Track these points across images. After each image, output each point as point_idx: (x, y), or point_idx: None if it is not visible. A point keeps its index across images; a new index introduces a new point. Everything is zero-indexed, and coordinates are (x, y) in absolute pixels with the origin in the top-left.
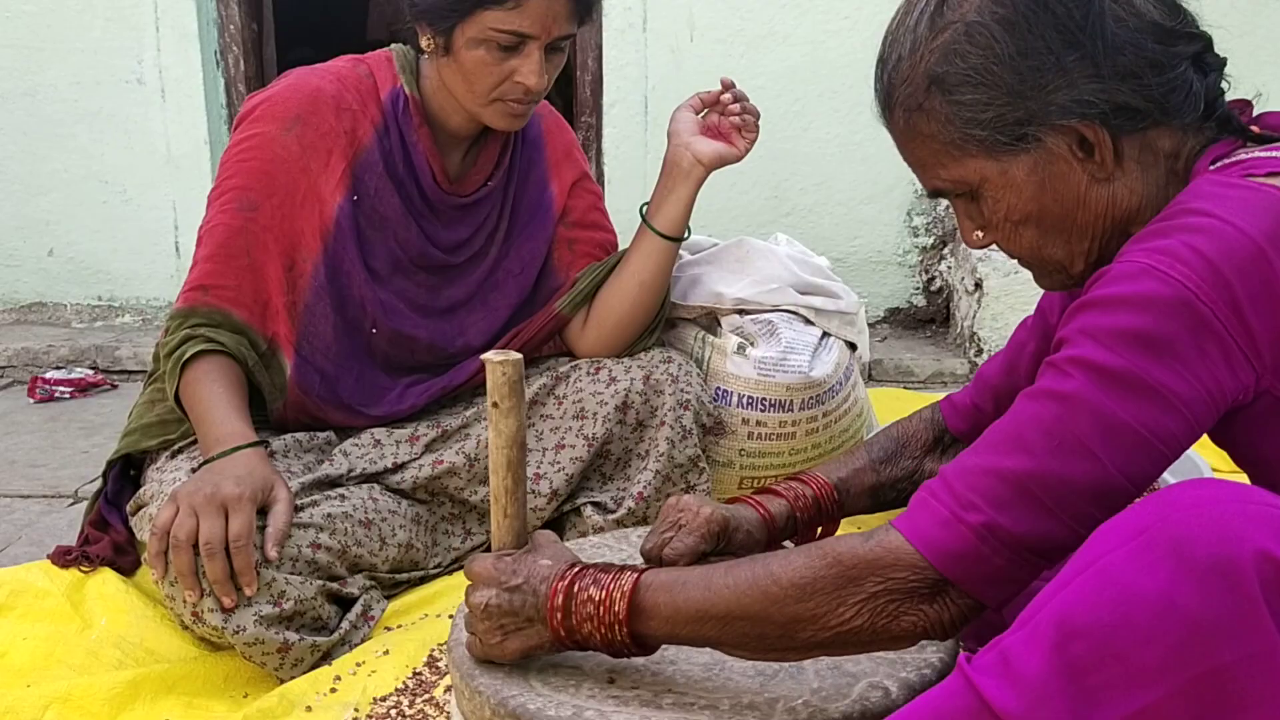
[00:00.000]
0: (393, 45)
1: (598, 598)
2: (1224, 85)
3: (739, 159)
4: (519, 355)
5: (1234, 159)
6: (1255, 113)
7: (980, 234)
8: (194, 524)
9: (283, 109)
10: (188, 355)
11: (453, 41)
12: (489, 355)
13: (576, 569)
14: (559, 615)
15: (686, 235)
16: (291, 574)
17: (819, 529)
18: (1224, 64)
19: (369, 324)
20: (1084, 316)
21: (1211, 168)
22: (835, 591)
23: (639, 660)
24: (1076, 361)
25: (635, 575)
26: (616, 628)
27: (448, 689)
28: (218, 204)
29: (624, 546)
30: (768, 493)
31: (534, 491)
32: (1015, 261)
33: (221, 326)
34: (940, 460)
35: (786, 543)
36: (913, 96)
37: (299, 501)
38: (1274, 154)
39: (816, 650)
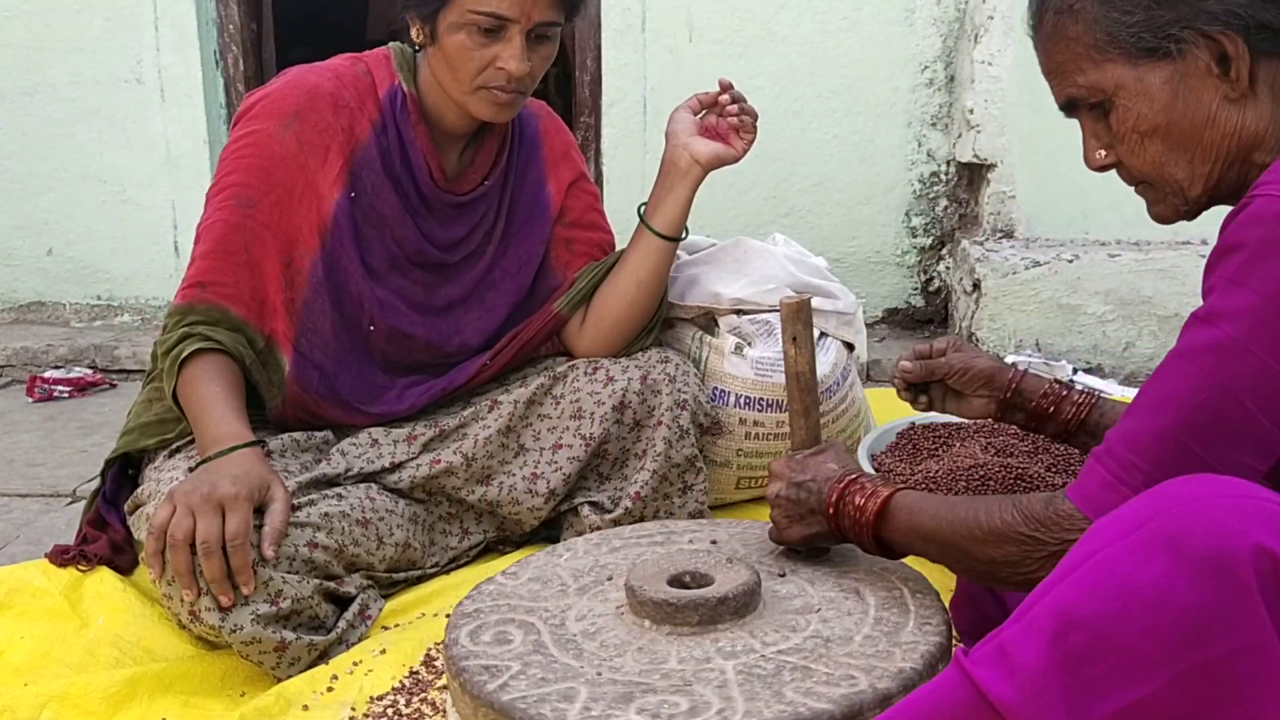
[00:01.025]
0: (391, 43)
1: (859, 503)
2: None
3: (737, 160)
4: (809, 296)
5: None
6: None
7: (1103, 153)
8: (191, 523)
9: (281, 106)
10: (185, 353)
11: (437, 28)
12: (787, 298)
13: (853, 477)
14: (831, 511)
15: (684, 235)
16: (289, 573)
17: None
18: None
19: (367, 321)
20: (1227, 262)
21: None
22: (1023, 545)
23: (628, 662)
24: (1221, 314)
25: (889, 493)
26: (867, 532)
27: (444, 688)
28: (216, 201)
29: (617, 543)
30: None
31: (531, 491)
32: (1018, 259)
33: (219, 324)
34: None
35: None
36: None
37: (296, 501)
38: None
39: (1017, 587)
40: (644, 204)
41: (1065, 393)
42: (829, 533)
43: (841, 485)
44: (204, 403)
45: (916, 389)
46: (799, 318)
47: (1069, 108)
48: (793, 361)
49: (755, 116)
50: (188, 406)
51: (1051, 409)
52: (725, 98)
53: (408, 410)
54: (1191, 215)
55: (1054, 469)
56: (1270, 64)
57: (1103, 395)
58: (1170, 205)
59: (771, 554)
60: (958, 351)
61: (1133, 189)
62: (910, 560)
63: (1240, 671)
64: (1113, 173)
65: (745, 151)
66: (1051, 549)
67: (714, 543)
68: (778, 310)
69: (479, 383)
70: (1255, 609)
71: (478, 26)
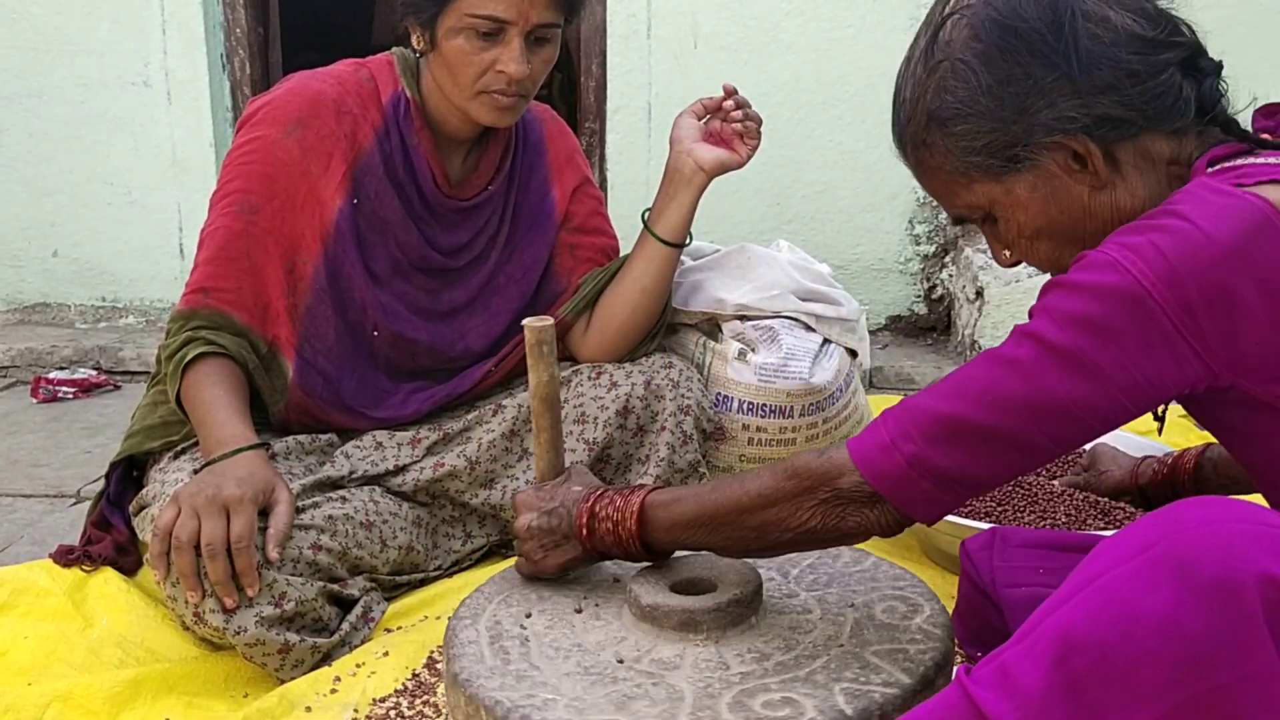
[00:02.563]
0: (394, 49)
1: (614, 516)
2: (1222, 88)
3: (741, 165)
4: (549, 321)
5: (1232, 164)
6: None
7: (1008, 253)
8: (195, 525)
9: (283, 113)
10: (189, 358)
11: (436, 34)
12: (528, 320)
13: (599, 492)
14: (584, 531)
15: (688, 241)
16: (292, 575)
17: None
18: (1219, 67)
19: (370, 326)
20: (1051, 295)
21: (1209, 170)
22: (794, 499)
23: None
24: (1030, 334)
25: (643, 494)
26: (629, 539)
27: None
28: (219, 207)
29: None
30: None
31: None
32: (1021, 267)
33: (222, 329)
34: None
35: None
36: (918, 134)
37: (300, 503)
38: (1272, 160)
39: (784, 548)
40: (648, 210)
41: (1168, 466)
42: (584, 556)
43: (588, 503)
44: (208, 406)
45: None
46: (542, 342)
47: (961, 223)
48: (536, 387)
49: (759, 122)
50: (191, 410)
51: (1167, 481)
52: (729, 103)
53: (412, 416)
54: None
55: (1051, 474)
56: (1127, 145)
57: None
58: None
59: (781, 559)
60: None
61: None
62: (919, 568)
63: (1244, 701)
64: None
65: (749, 157)
66: (822, 496)
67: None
68: (782, 316)
69: (484, 389)
70: (1260, 638)
71: (476, 30)
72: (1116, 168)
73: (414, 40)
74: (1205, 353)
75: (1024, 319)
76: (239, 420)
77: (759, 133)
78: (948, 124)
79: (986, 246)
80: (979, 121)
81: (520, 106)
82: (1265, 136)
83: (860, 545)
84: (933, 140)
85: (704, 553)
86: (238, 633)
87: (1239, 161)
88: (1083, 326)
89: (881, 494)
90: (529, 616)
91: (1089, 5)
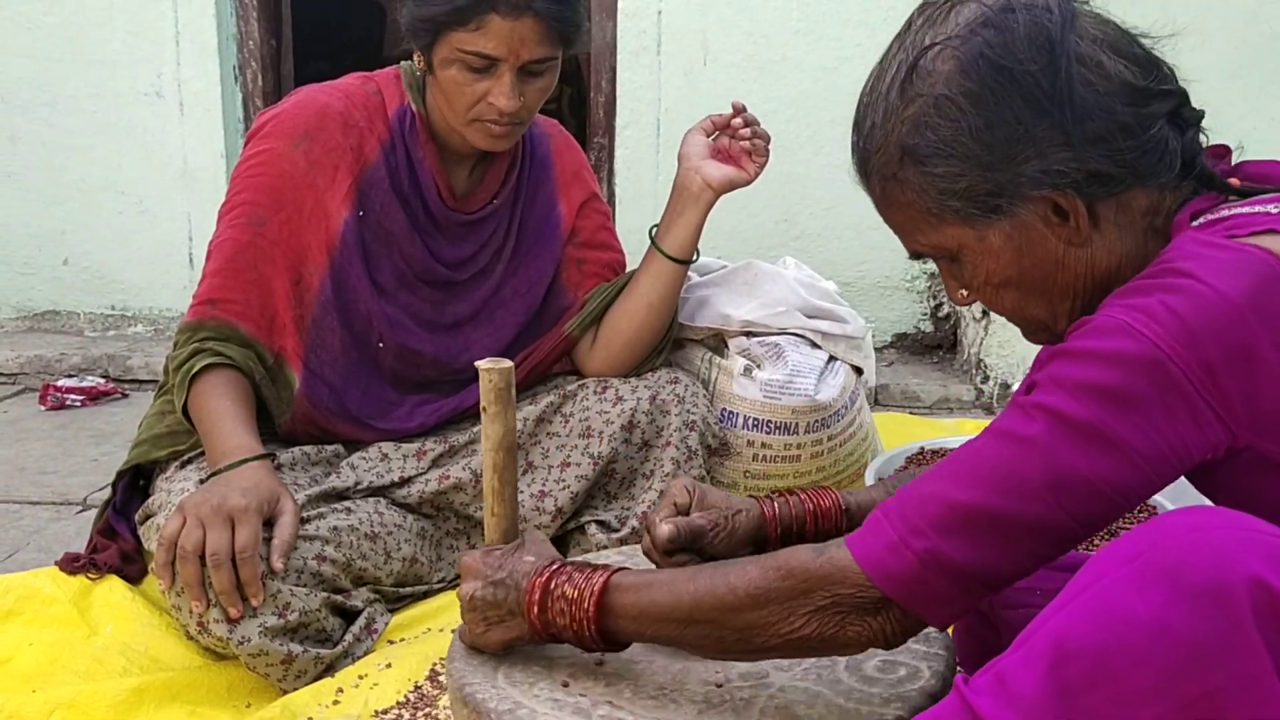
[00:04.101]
0: (401, 63)
1: (570, 595)
2: (1202, 138)
3: (749, 183)
4: (509, 364)
5: (1217, 215)
6: (1234, 160)
7: (965, 292)
8: (201, 535)
9: (291, 126)
10: (196, 369)
11: (432, 60)
12: (481, 363)
13: (555, 566)
14: (535, 610)
15: (696, 258)
16: (296, 585)
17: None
18: (1201, 117)
19: (376, 338)
20: (1057, 365)
21: (1193, 224)
22: (786, 602)
23: (605, 664)
24: (1042, 407)
25: (606, 575)
26: (586, 624)
27: (448, 704)
28: (227, 219)
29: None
30: (780, 496)
31: (539, 509)
32: None
33: (229, 340)
34: None
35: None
36: (887, 166)
37: (305, 514)
38: (1256, 209)
39: (770, 654)
40: (655, 226)
41: (815, 503)
42: (530, 636)
43: (543, 578)
44: (214, 417)
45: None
46: (496, 385)
47: (918, 257)
48: (497, 439)
49: (768, 139)
50: (198, 420)
51: (814, 521)
52: (738, 121)
53: (418, 428)
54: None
55: None
56: (1109, 202)
57: (844, 493)
58: (1042, 337)
59: None
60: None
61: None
62: None
63: (1236, 704)
64: None
65: (757, 175)
66: (819, 602)
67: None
68: (788, 333)
69: None
70: (1251, 641)
71: (467, 65)
72: (1096, 224)
73: (415, 59)
74: (1227, 415)
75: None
76: (245, 431)
77: (767, 150)
78: (925, 162)
79: None
80: (961, 165)
81: (515, 133)
82: (1234, 182)
83: None
84: (905, 176)
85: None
86: (241, 643)
87: (1224, 213)
88: (1100, 396)
89: (891, 598)
90: None
91: (1084, 49)
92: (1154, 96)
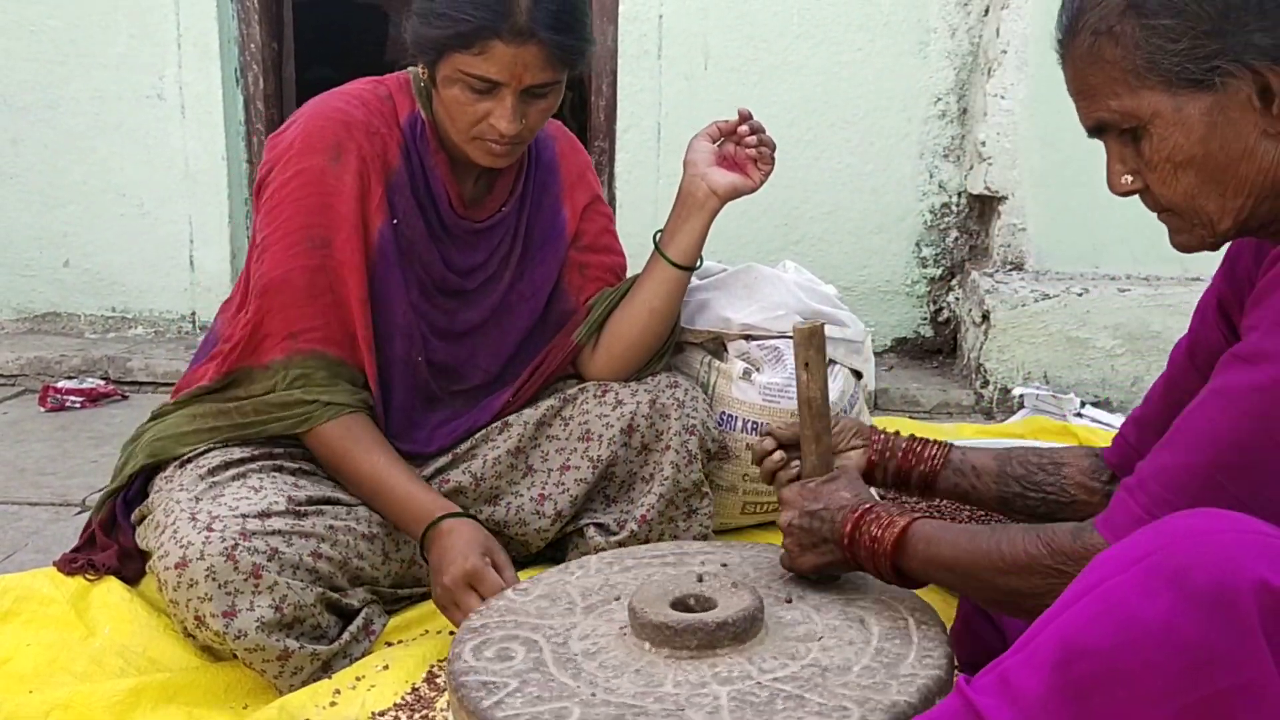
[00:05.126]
0: (410, 69)
1: (875, 534)
2: None
3: (754, 190)
4: (821, 324)
5: None
6: None
7: (1130, 178)
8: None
9: (320, 141)
10: (318, 424)
11: (435, 77)
12: (800, 323)
13: (867, 506)
14: (847, 542)
15: (699, 264)
16: (292, 580)
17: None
18: None
19: (416, 352)
20: (1273, 300)
21: None
22: (1046, 576)
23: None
24: (1265, 353)
25: (907, 521)
26: (884, 561)
27: (447, 706)
28: (281, 245)
29: (629, 563)
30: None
31: (539, 512)
32: (1027, 291)
33: (334, 376)
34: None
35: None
36: (1105, 19)
37: (303, 510)
38: None
39: (1031, 616)
40: (660, 231)
41: (922, 446)
42: (843, 561)
43: (856, 515)
44: (377, 480)
45: (789, 449)
46: (811, 343)
47: (1097, 130)
48: (805, 387)
49: (773, 147)
50: (355, 484)
51: (913, 460)
52: (744, 128)
53: (435, 451)
54: (1216, 246)
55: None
56: None
57: (954, 446)
58: (1196, 236)
59: (781, 579)
60: None
61: (1156, 215)
62: (924, 591)
63: (1240, 707)
64: (1122, 208)
65: (762, 182)
66: (1073, 577)
67: (724, 565)
68: (787, 336)
69: (499, 416)
70: (1256, 644)
71: (469, 86)
72: None
73: (421, 70)
74: None
75: (1030, 344)
76: (419, 487)
77: (773, 158)
78: (1150, 15)
79: (995, 268)
80: (1189, 21)
81: (516, 151)
82: None
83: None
84: (1122, 29)
85: (719, 566)
86: (238, 637)
87: None
88: None
89: None
90: (533, 632)
91: None
92: None
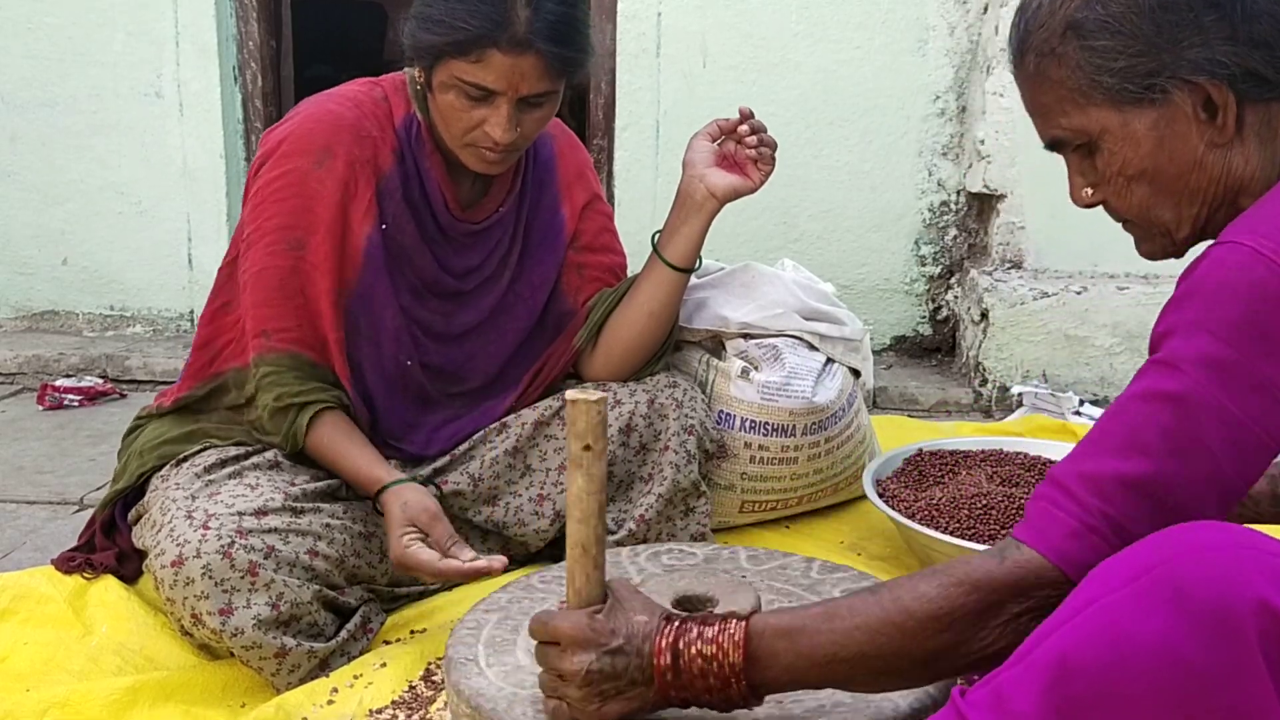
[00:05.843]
0: (407, 70)
1: (709, 652)
2: None
3: (753, 191)
4: (604, 394)
5: None
6: None
7: (1090, 190)
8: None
9: (309, 143)
10: (304, 423)
11: (431, 81)
12: (574, 394)
13: (675, 623)
14: (668, 675)
15: (698, 266)
16: (289, 578)
17: None
18: None
19: (405, 356)
20: (1188, 307)
21: None
22: (976, 618)
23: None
24: (1183, 358)
25: (743, 623)
26: (734, 681)
27: (445, 705)
28: (260, 245)
29: (630, 565)
30: None
31: (538, 513)
32: (1026, 290)
33: (307, 377)
34: None
35: None
36: (1048, 41)
37: (300, 507)
38: None
39: (951, 675)
40: (658, 232)
41: None
42: (656, 702)
43: (669, 639)
44: (343, 461)
45: None
46: (591, 421)
47: (1054, 147)
48: (579, 484)
49: (774, 147)
50: (331, 466)
51: None
52: (744, 128)
53: (435, 454)
54: (1179, 254)
55: None
56: (1257, 108)
57: None
58: (1158, 244)
59: (800, 585)
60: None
61: (1120, 225)
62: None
63: None
64: None
65: (762, 183)
66: (1014, 611)
67: (744, 577)
68: (785, 335)
69: (499, 418)
70: (1255, 665)
71: (464, 93)
72: (1240, 128)
73: (417, 73)
74: None
75: (1029, 343)
76: (365, 462)
77: (773, 158)
78: (1089, 36)
79: (993, 266)
80: (1126, 40)
81: (509, 159)
82: None
83: (857, 566)
84: (1064, 50)
85: (698, 564)
86: (234, 635)
87: None
88: (1243, 333)
89: None
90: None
91: None
92: None
